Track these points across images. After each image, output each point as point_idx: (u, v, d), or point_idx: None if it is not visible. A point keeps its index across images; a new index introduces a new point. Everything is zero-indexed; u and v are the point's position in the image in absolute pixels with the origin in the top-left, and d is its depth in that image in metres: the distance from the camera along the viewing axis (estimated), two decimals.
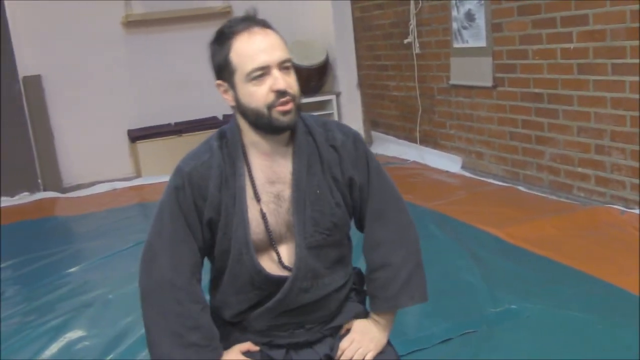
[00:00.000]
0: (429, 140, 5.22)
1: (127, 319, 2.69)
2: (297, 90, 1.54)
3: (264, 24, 1.54)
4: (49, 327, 2.70)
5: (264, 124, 1.52)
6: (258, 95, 1.49)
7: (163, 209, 1.59)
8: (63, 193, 5.35)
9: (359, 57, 6.05)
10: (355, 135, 1.68)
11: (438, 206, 3.93)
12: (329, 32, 6.01)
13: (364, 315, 1.75)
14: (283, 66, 1.51)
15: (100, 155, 5.64)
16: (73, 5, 5.43)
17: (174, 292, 1.55)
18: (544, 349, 2.18)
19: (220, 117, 5.77)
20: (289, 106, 1.51)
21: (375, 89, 5.91)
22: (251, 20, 1.54)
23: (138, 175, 5.62)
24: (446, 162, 4.95)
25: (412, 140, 5.38)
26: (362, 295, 1.78)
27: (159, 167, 5.39)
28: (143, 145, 5.52)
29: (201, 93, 5.68)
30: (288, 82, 1.51)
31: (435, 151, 5.11)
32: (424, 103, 5.18)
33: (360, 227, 1.74)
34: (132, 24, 5.62)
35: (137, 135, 5.56)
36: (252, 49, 1.49)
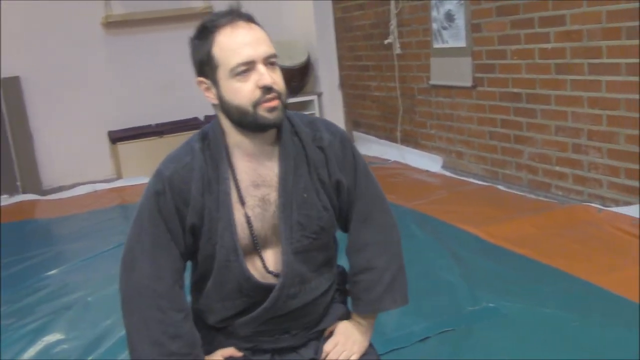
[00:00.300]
0: (409, 140, 5.24)
1: (107, 321, 2.68)
2: (283, 87, 1.47)
3: (249, 18, 1.48)
4: (28, 330, 2.68)
5: (248, 122, 1.45)
6: (243, 91, 1.43)
7: (142, 213, 1.52)
8: (43, 195, 5.30)
9: (340, 58, 6.06)
10: (342, 135, 1.62)
11: (419, 206, 3.95)
12: (311, 32, 6.01)
13: (347, 316, 1.72)
14: (269, 61, 1.45)
15: (80, 157, 5.60)
16: (52, 6, 5.39)
17: (155, 299, 1.50)
18: (522, 347, 2.20)
19: (202, 118, 5.76)
20: (275, 103, 1.44)
21: (356, 89, 5.92)
22: (235, 14, 1.47)
23: (119, 176, 5.59)
24: (427, 162, 4.98)
25: (393, 140, 5.40)
26: (345, 294, 1.76)
27: (140, 168, 5.37)
28: (124, 147, 5.49)
29: (182, 94, 5.66)
30: (274, 78, 1.44)
31: (416, 151, 5.14)
32: (404, 103, 5.20)
33: (345, 228, 1.71)
34: (112, 24, 5.59)
35: (117, 137, 5.52)
36: (236, 42, 1.42)
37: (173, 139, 5.35)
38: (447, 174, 4.74)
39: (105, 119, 5.66)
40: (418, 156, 5.09)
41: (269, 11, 5.87)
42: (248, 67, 1.42)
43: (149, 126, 5.73)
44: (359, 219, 1.65)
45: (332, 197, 1.59)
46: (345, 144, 1.61)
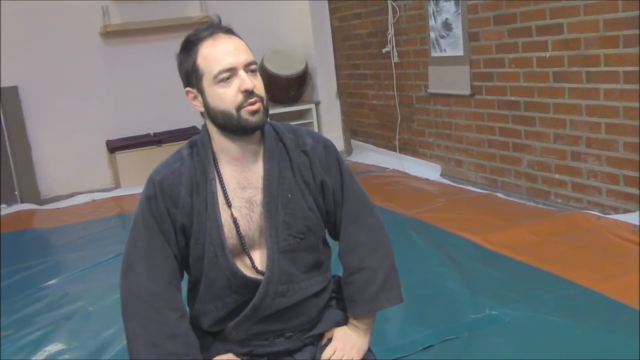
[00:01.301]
0: (408, 149, 5.26)
1: (109, 331, 2.67)
2: (264, 92, 1.57)
3: (228, 30, 1.58)
4: (28, 340, 2.67)
5: (233, 126, 1.54)
6: (227, 96, 1.52)
7: (137, 220, 1.61)
8: (41, 205, 5.29)
9: (338, 67, 6.09)
10: (325, 141, 1.71)
11: (418, 214, 3.96)
12: (308, 41, 6.04)
13: (345, 322, 1.75)
14: (249, 68, 1.54)
15: (78, 166, 5.60)
16: (50, 16, 5.40)
17: (151, 300, 1.56)
18: (525, 354, 2.20)
19: (200, 127, 5.75)
20: (257, 106, 1.53)
21: (354, 97, 5.94)
22: (215, 27, 1.57)
23: (117, 186, 5.59)
24: (425, 170, 4.99)
25: (392, 148, 5.42)
26: (343, 303, 1.79)
27: (138, 177, 5.36)
28: (122, 156, 5.49)
29: (180, 103, 5.62)
30: (255, 83, 1.54)
31: (415, 159, 5.15)
32: (402, 112, 5.22)
33: (335, 234, 1.76)
34: (111, 34, 5.60)
35: (115, 146, 5.52)
36: (218, 52, 1.52)
37: (171, 148, 5.35)
38: (446, 182, 4.75)
39: (103, 128, 5.66)
40: (416, 164, 5.11)
41: (267, 21, 5.90)
42: (230, 73, 1.53)
43: (147, 135, 5.74)
44: (348, 220, 1.71)
45: (317, 198, 1.65)
46: (328, 148, 1.70)
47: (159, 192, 1.58)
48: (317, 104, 6.12)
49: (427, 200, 4.28)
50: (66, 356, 2.53)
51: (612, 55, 3.33)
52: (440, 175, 4.88)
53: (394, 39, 5.07)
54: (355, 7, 5.59)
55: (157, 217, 1.58)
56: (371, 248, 1.70)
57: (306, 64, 5.91)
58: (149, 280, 1.57)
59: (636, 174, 3.33)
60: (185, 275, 1.70)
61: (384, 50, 5.19)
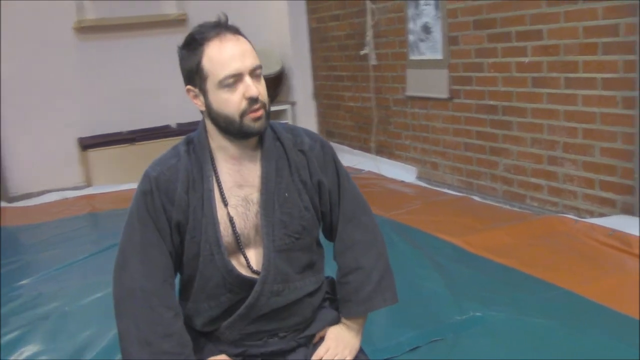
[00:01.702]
0: (384, 151, 5.27)
1: (87, 331, 2.61)
2: (267, 97, 1.56)
3: (236, 31, 1.55)
4: (4, 341, 2.59)
5: (234, 130, 1.53)
6: (231, 102, 1.50)
7: (132, 214, 1.58)
8: (10, 202, 5.17)
9: (314, 68, 6.08)
10: (322, 141, 1.71)
11: (395, 215, 3.97)
12: (285, 42, 6.02)
13: (337, 322, 1.76)
14: (255, 73, 1.53)
15: (49, 163, 5.48)
16: (23, 10, 5.27)
17: (145, 298, 1.53)
18: (509, 354, 2.22)
19: (174, 126, 5.69)
20: (261, 113, 1.52)
21: (330, 99, 5.94)
22: (222, 27, 1.54)
23: (89, 184, 5.49)
24: (401, 172, 5.01)
25: (367, 150, 5.43)
26: (336, 303, 1.79)
27: (111, 175, 5.28)
28: (94, 154, 5.39)
29: (155, 101, 5.59)
30: (259, 89, 1.53)
31: (390, 161, 5.17)
32: (379, 114, 5.23)
33: (330, 234, 1.76)
34: (85, 29, 5.49)
35: (88, 144, 5.42)
36: (225, 55, 1.49)
37: (144, 146, 5.28)
38: (422, 184, 4.78)
39: (76, 125, 5.55)
40: (392, 166, 5.13)
41: (243, 20, 5.82)
42: (236, 79, 1.50)
43: (120, 133, 5.65)
44: (344, 219, 1.71)
45: (313, 197, 1.65)
46: (326, 148, 1.70)
47: (154, 188, 1.56)
48: (293, 104, 6.11)
49: (403, 202, 4.29)
50: (44, 357, 2.46)
51: (591, 62, 3.39)
52: (416, 177, 4.91)
53: (372, 42, 5.09)
54: (334, 9, 5.59)
55: (152, 213, 1.56)
56: (366, 247, 1.71)
57: (282, 65, 5.89)
58: (144, 278, 1.54)
59: (612, 179, 3.39)
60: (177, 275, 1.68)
61: (362, 53, 5.20)
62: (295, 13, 5.95)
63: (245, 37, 1.56)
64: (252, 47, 1.55)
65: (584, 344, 2.25)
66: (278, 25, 6.06)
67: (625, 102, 3.25)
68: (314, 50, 6.04)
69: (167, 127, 5.71)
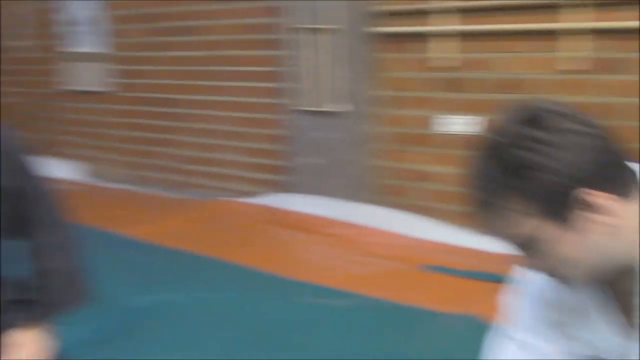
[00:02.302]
0: (48, 150, 4.94)
1: None
2: None
3: None
4: None
5: None
6: None
7: None
8: None
9: None
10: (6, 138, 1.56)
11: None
12: None
13: (25, 326, 1.64)
14: None
15: None
16: None
17: None
18: (194, 335, 2.31)
19: None
20: None
21: None
22: None
23: None
24: (67, 171, 4.75)
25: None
26: (22, 306, 1.66)
27: None
28: None
29: None
30: None
31: (55, 160, 4.87)
32: (34, 110, 4.88)
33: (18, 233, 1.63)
34: None
35: None
36: None
37: None
38: (90, 181, 4.62)
39: None
40: (57, 165, 4.83)
41: None
42: None
43: None
44: (33, 221, 1.58)
45: None
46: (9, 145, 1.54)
47: None
48: None
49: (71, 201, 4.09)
50: None
51: (248, 57, 3.70)
52: (84, 174, 4.72)
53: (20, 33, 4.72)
54: None
55: None
56: (54, 249, 1.62)
57: None
58: None
59: (269, 162, 3.73)
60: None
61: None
62: None
63: None
64: None
65: (266, 311, 2.44)
66: None
67: (277, 92, 3.60)
68: None
69: None
